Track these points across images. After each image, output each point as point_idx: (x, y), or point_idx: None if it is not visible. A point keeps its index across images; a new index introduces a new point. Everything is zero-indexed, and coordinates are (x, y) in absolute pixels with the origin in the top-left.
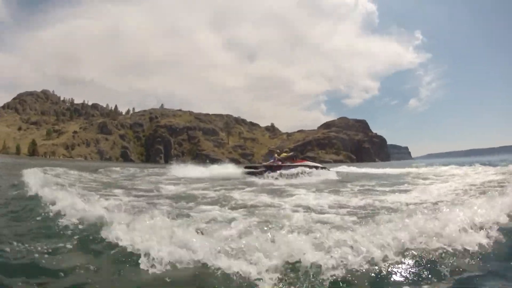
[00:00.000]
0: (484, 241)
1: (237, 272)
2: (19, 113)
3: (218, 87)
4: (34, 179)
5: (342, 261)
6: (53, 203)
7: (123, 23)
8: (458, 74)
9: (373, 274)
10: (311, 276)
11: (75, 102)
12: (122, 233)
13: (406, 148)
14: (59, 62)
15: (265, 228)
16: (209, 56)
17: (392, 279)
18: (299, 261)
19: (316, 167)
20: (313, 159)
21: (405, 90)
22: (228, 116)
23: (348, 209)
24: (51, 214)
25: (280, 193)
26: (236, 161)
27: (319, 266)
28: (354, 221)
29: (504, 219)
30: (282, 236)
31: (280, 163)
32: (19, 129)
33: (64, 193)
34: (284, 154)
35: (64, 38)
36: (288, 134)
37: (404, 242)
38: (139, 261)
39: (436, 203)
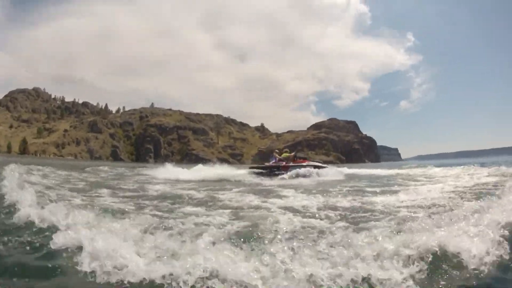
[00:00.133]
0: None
1: None
2: (10, 111)
3: (208, 87)
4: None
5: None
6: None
7: (115, 23)
8: (449, 76)
9: None
10: None
11: (66, 100)
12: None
13: (396, 149)
14: (50, 61)
15: (242, 241)
16: (200, 56)
17: None
18: None
19: (319, 167)
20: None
21: (395, 92)
22: (218, 116)
23: (338, 212)
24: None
25: (267, 194)
26: (225, 161)
27: None
28: (345, 227)
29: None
30: (259, 252)
31: (284, 163)
32: (10, 127)
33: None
34: (285, 154)
35: (56, 37)
36: (278, 135)
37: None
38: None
39: (432, 207)
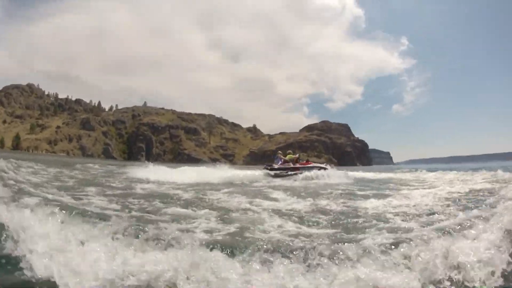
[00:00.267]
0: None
1: None
2: (4, 106)
3: (201, 87)
4: None
5: None
6: None
7: (110, 21)
8: (443, 80)
9: None
10: None
11: (59, 96)
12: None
13: (388, 153)
14: (46, 57)
15: (226, 251)
16: (194, 56)
17: None
18: None
19: (325, 168)
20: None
21: (388, 95)
22: (210, 116)
23: (329, 217)
24: None
25: (256, 195)
26: (217, 161)
27: None
28: (334, 236)
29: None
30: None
31: (291, 164)
32: (4, 122)
33: None
34: (290, 156)
35: (52, 34)
36: (270, 136)
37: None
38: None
39: (425, 215)
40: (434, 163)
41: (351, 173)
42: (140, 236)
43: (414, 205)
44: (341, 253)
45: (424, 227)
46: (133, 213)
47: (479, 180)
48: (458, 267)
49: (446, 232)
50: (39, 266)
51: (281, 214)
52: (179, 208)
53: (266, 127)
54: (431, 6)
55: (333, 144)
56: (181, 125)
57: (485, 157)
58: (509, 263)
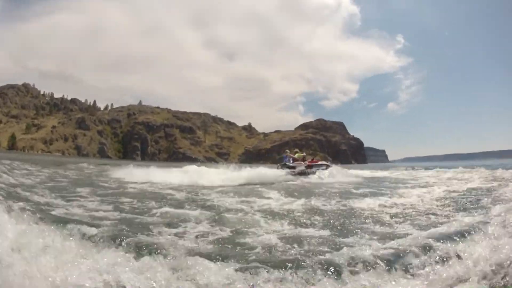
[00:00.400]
0: None
1: None
2: (0, 106)
3: (196, 86)
4: None
5: None
6: None
7: (104, 20)
8: (438, 78)
9: None
10: None
11: (55, 96)
12: None
13: (383, 151)
14: (41, 56)
15: (218, 258)
16: (189, 55)
17: None
18: None
19: (329, 166)
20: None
21: (384, 94)
22: (205, 114)
23: (324, 219)
24: None
25: (251, 195)
26: (212, 160)
27: None
28: (329, 240)
29: None
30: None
31: (303, 162)
32: (0, 122)
33: None
34: (299, 154)
35: (47, 32)
36: (265, 134)
37: None
38: None
39: (417, 215)
40: (430, 161)
41: (354, 171)
42: (121, 242)
43: (412, 206)
44: (337, 261)
45: (423, 230)
46: (113, 216)
47: (476, 178)
48: (461, 273)
49: (446, 237)
50: None
51: (274, 215)
52: (173, 207)
53: (261, 126)
54: (427, 4)
55: (328, 142)
56: (176, 124)
57: (481, 155)
58: (509, 265)
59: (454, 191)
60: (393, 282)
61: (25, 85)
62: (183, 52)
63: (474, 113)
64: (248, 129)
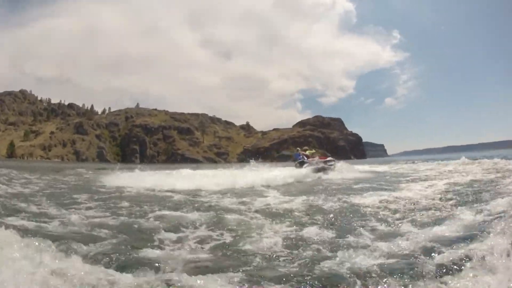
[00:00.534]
0: None
1: None
2: None
3: (194, 86)
4: None
5: None
6: None
7: (99, 22)
8: (435, 72)
9: None
10: None
11: (52, 101)
12: None
13: (382, 145)
14: (37, 61)
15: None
16: (185, 55)
17: None
18: None
19: (333, 160)
20: (289, 157)
21: (381, 89)
22: (203, 115)
23: (325, 219)
24: None
25: (249, 195)
26: (211, 160)
27: None
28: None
29: None
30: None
31: (316, 159)
32: None
33: None
34: (310, 151)
35: (43, 37)
36: (264, 133)
37: None
38: None
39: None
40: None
41: (360, 167)
42: (117, 258)
43: (414, 202)
44: (340, 270)
45: (427, 229)
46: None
47: (479, 170)
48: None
49: (450, 239)
50: None
51: (274, 216)
52: (171, 210)
53: (260, 125)
54: None
55: (326, 138)
56: (174, 125)
57: (478, 146)
58: None
59: (457, 184)
60: None
61: (22, 92)
62: (180, 52)
63: (471, 106)
64: (246, 128)
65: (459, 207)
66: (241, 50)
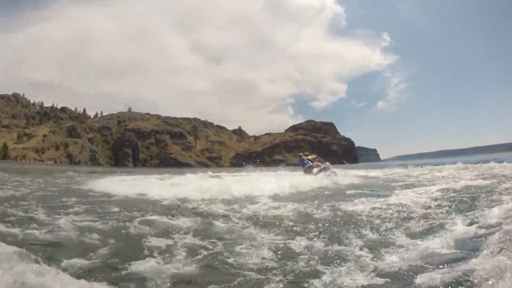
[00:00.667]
0: None
1: None
2: None
3: (185, 91)
4: None
5: None
6: None
7: (90, 27)
8: (427, 75)
9: None
10: None
11: (45, 105)
12: None
13: (375, 150)
14: (29, 66)
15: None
16: (176, 60)
17: None
18: None
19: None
20: (281, 162)
21: (372, 92)
22: (195, 119)
23: (316, 227)
24: None
25: (239, 201)
26: (203, 165)
27: None
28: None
29: None
30: None
31: (321, 164)
32: None
33: None
34: (311, 156)
35: (33, 42)
36: (256, 137)
37: None
38: None
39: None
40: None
41: (354, 172)
42: (107, 274)
43: (407, 209)
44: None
45: (420, 240)
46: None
47: (473, 175)
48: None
49: (445, 255)
50: None
51: (264, 223)
52: (158, 214)
53: (252, 129)
54: (409, 1)
55: (318, 143)
56: (167, 130)
57: (470, 151)
58: None
59: (450, 190)
60: None
61: (15, 95)
62: (171, 57)
63: (465, 107)
64: (239, 132)
65: (452, 216)
66: (231, 55)
